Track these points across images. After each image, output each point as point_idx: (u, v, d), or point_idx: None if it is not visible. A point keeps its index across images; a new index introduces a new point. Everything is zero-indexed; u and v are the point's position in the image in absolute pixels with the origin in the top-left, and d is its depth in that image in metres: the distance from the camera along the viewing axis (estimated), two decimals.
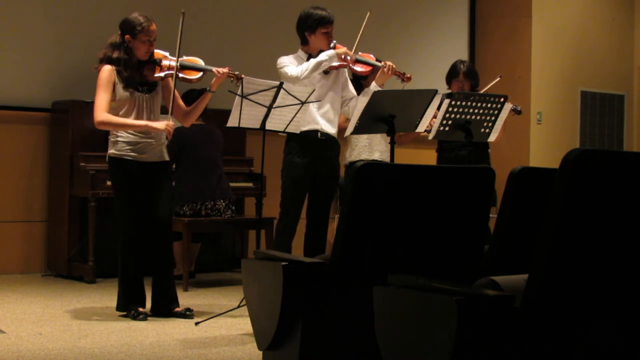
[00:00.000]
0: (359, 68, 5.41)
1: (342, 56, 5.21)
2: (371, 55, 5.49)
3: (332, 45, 5.26)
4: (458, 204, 3.26)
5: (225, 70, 4.94)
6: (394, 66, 5.33)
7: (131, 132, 4.86)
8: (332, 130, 5.29)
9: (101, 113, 4.78)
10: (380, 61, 5.43)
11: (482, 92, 5.98)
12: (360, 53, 5.42)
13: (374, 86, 5.27)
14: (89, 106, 6.49)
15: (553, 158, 8.13)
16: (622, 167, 2.44)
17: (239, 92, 4.82)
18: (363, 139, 5.75)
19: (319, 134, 5.24)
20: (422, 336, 2.58)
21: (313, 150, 5.23)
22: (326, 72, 5.28)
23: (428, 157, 8.14)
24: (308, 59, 5.23)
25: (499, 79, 6.29)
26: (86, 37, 6.79)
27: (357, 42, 5.38)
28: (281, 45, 5.72)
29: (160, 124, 4.83)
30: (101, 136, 6.62)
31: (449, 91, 5.88)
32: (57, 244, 6.63)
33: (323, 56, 5.15)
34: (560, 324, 2.46)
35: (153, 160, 4.93)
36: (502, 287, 2.63)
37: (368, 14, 5.42)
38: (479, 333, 2.43)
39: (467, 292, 2.45)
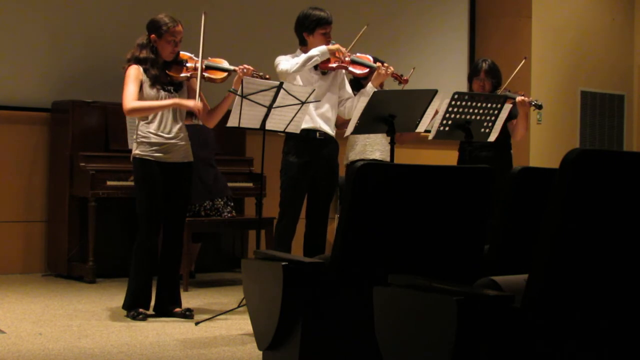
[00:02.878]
0: (357, 70, 5.39)
1: (335, 53, 5.19)
2: (369, 57, 5.47)
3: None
4: (458, 204, 3.26)
5: (249, 68, 4.96)
6: (391, 68, 5.32)
7: (155, 133, 4.87)
8: (330, 130, 5.29)
9: (130, 102, 4.80)
10: (377, 62, 5.42)
11: (512, 76, 5.98)
12: (358, 54, 5.41)
13: (370, 88, 5.26)
14: (89, 106, 6.56)
15: (553, 158, 8.14)
16: (622, 167, 2.44)
17: (239, 92, 4.83)
18: (363, 138, 5.75)
19: (317, 134, 5.24)
20: (422, 336, 2.58)
21: (311, 150, 5.23)
22: (324, 73, 5.28)
23: (428, 157, 8.15)
24: None
25: (524, 60, 6.25)
26: (86, 38, 6.80)
27: (351, 46, 5.37)
28: (282, 46, 5.72)
29: (189, 101, 4.88)
30: (101, 136, 6.64)
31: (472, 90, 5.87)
32: (57, 244, 6.63)
33: (315, 51, 5.14)
34: (560, 324, 2.46)
35: (178, 161, 4.94)
36: (502, 287, 2.63)
37: (365, 27, 5.41)
38: (479, 333, 2.43)
39: (467, 292, 2.45)
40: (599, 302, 2.50)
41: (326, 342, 3.32)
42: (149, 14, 5.08)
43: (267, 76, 5.00)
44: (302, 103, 4.98)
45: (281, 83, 4.89)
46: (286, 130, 5.10)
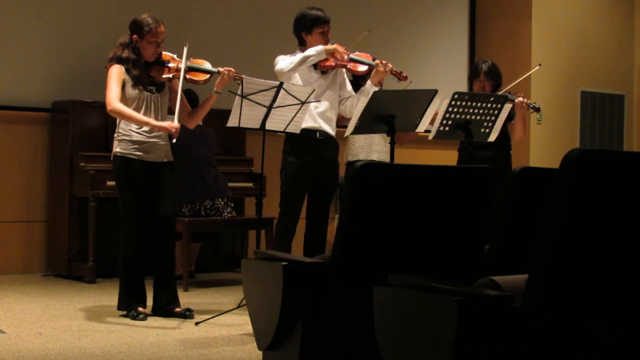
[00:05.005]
0: (357, 68, 5.39)
1: (333, 53, 5.19)
2: (368, 55, 5.47)
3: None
4: (458, 204, 3.26)
5: (232, 70, 4.96)
6: (390, 65, 5.32)
7: (137, 131, 4.87)
8: (330, 129, 5.29)
9: (114, 101, 4.80)
10: (375, 60, 5.42)
11: (522, 78, 5.90)
12: (357, 53, 5.41)
13: (369, 85, 5.27)
14: (89, 106, 6.55)
15: (553, 158, 8.13)
16: (622, 167, 2.44)
17: (239, 92, 4.83)
18: (361, 138, 5.74)
19: (317, 134, 5.24)
20: (422, 336, 2.58)
21: (311, 149, 5.23)
22: (324, 72, 5.28)
23: (428, 157, 8.15)
24: None
25: (538, 67, 6.22)
26: (86, 38, 6.80)
27: (351, 48, 5.35)
28: (281, 46, 5.72)
29: (165, 123, 4.86)
30: (101, 136, 6.64)
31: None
32: (57, 244, 6.63)
33: (311, 51, 5.15)
34: (560, 324, 2.46)
35: (158, 160, 4.94)
36: (502, 287, 2.63)
37: (365, 33, 5.40)
38: (479, 333, 2.43)
39: (467, 292, 2.45)
40: (598, 302, 2.50)
41: (326, 342, 3.32)
42: (157, 16, 5.07)
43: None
44: (302, 103, 4.98)
45: (281, 83, 4.89)
46: (286, 130, 5.10)
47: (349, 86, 5.46)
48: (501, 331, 2.44)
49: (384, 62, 5.31)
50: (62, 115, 6.59)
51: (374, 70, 5.31)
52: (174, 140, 4.86)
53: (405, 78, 5.48)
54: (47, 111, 6.73)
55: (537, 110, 5.87)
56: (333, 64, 5.25)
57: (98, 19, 6.85)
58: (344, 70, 5.38)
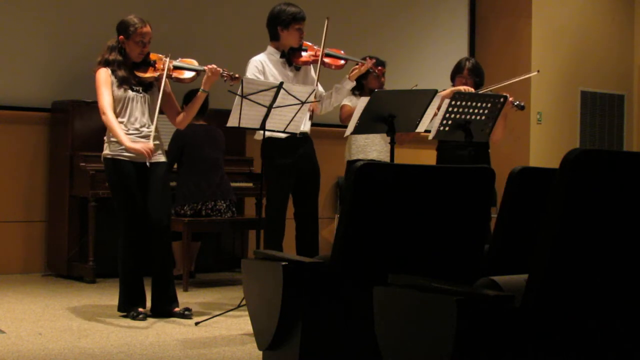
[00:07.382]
0: (328, 60, 5.43)
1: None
2: (342, 52, 5.51)
3: (300, 42, 5.31)
4: (458, 204, 3.26)
5: (217, 68, 4.97)
6: (365, 65, 5.36)
7: (126, 132, 4.85)
8: (305, 127, 5.34)
9: (108, 109, 4.79)
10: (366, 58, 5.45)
11: (515, 80, 5.93)
12: (329, 48, 5.42)
13: (346, 83, 5.36)
14: (89, 106, 6.54)
15: (553, 158, 8.14)
16: (622, 167, 2.44)
17: (239, 92, 4.83)
18: (361, 138, 5.76)
19: (297, 134, 5.26)
20: (422, 336, 2.58)
21: (291, 150, 5.27)
22: (297, 69, 5.33)
23: (428, 157, 8.14)
24: (281, 56, 5.30)
25: (537, 72, 6.27)
26: (86, 37, 6.79)
27: (322, 46, 5.30)
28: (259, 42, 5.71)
29: (138, 146, 4.78)
30: (101, 136, 6.62)
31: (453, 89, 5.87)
32: (57, 244, 6.63)
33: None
34: (560, 323, 2.46)
35: (150, 161, 4.93)
36: (502, 287, 2.63)
37: (326, 21, 5.33)
38: (479, 333, 2.43)
39: (467, 292, 2.45)
40: (599, 302, 2.50)
41: (326, 342, 3.32)
42: (150, 15, 5.09)
43: (237, 75, 5.01)
44: (302, 103, 4.98)
45: (281, 83, 4.90)
46: (286, 130, 5.10)
47: (319, 84, 5.49)
48: (501, 331, 2.44)
49: (362, 61, 5.35)
50: (62, 115, 6.59)
51: (356, 70, 5.35)
52: (148, 164, 4.81)
53: (382, 71, 5.56)
54: (47, 111, 6.73)
55: (522, 108, 5.77)
56: (309, 59, 5.29)
57: (98, 19, 6.84)
58: (311, 67, 5.41)
